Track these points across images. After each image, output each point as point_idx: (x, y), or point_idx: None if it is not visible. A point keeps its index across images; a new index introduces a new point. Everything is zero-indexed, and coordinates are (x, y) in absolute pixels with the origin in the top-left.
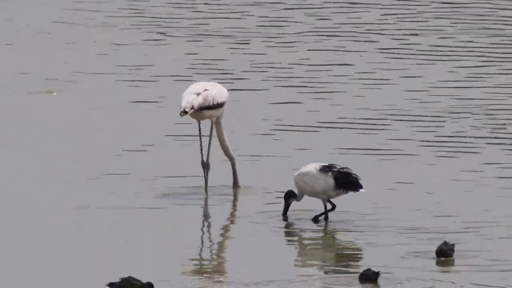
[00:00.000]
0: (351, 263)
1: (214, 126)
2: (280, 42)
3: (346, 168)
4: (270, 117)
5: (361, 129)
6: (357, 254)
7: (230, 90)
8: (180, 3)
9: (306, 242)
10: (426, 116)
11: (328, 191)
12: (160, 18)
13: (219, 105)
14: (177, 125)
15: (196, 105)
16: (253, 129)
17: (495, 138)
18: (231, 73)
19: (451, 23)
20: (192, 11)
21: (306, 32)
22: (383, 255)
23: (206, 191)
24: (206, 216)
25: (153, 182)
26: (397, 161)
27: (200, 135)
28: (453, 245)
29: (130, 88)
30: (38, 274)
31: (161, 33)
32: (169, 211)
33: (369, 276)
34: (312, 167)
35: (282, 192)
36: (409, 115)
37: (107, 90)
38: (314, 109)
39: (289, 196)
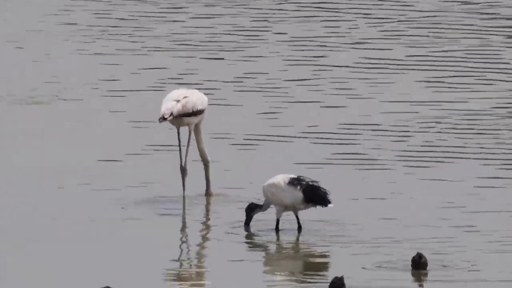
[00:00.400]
0: (321, 273)
1: (192, 132)
2: (254, 54)
3: (315, 181)
4: (245, 128)
5: (335, 139)
6: (326, 265)
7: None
8: (155, 14)
9: (274, 252)
10: (398, 127)
11: (296, 205)
12: (134, 28)
13: (199, 112)
14: (155, 134)
15: (175, 111)
16: (229, 140)
17: (469, 148)
18: (202, 84)
19: (425, 33)
20: (167, 23)
21: (281, 43)
22: (356, 266)
23: (183, 195)
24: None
25: (131, 191)
26: (371, 172)
27: (179, 141)
28: (423, 257)
29: (106, 99)
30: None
31: (134, 42)
32: (146, 220)
33: (337, 283)
34: (281, 178)
35: (258, 199)
36: (382, 127)
37: (84, 101)
38: (288, 120)
39: (251, 209)
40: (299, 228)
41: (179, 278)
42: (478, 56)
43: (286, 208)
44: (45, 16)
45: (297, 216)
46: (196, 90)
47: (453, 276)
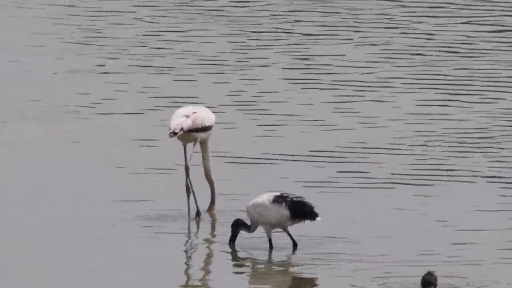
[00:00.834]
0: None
1: (200, 147)
2: (243, 72)
3: (300, 197)
4: (245, 146)
5: (321, 161)
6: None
7: None
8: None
9: (263, 269)
10: (398, 145)
11: (283, 222)
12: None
13: (207, 128)
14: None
15: (185, 127)
16: (227, 158)
17: (465, 166)
18: (191, 101)
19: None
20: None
21: (269, 62)
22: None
23: (189, 212)
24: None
25: (132, 205)
26: (372, 191)
27: (185, 158)
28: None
29: (107, 118)
30: None
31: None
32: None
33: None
34: (265, 197)
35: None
36: (381, 146)
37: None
38: (277, 140)
39: (238, 226)
40: (294, 245)
41: None
42: (482, 76)
43: (273, 226)
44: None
45: (288, 234)
46: (203, 106)
47: None
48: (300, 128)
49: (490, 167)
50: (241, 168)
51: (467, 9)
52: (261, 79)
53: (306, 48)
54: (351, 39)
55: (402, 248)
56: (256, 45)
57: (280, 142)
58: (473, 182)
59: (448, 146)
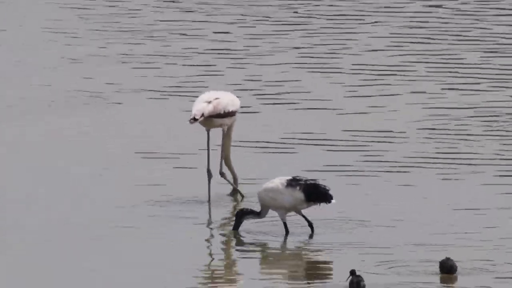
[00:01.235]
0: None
1: (222, 133)
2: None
3: (313, 179)
4: (262, 133)
5: (337, 146)
6: (339, 265)
7: None
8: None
9: (279, 254)
10: (414, 132)
11: (298, 205)
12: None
13: (230, 114)
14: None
15: (206, 112)
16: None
17: (481, 153)
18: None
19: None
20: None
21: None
22: (377, 269)
23: (209, 199)
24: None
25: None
26: (389, 175)
27: (208, 144)
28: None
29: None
30: None
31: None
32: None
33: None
34: (278, 182)
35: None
36: (394, 133)
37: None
38: (293, 126)
39: (243, 214)
40: (311, 226)
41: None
42: (494, 63)
43: (288, 210)
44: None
45: (303, 215)
46: (228, 92)
47: (483, 283)
48: (316, 113)
49: (508, 151)
50: (256, 153)
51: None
52: (277, 65)
53: (321, 34)
54: (367, 24)
55: (415, 233)
56: (273, 31)
57: (296, 127)
58: (490, 166)
59: (466, 132)
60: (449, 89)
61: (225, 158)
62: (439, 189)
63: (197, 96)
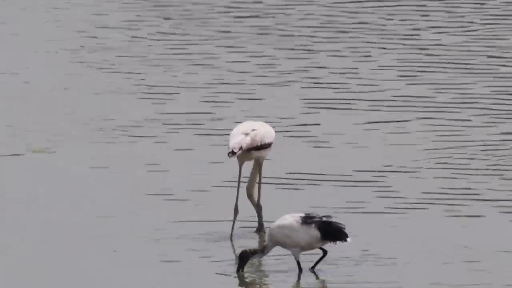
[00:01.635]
0: None
1: (253, 164)
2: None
3: (327, 216)
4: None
5: (350, 183)
6: None
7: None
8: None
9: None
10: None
11: (312, 243)
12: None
13: (267, 146)
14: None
15: (244, 145)
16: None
17: (494, 190)
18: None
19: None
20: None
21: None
22: None
23: (231, 236)
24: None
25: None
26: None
27: (239, 177)
28: None
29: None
30: None
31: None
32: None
33: None
34: (292, 219)
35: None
36: (407, 168)
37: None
38: (303, 163)
39: (247, 257)
40: (301, 270)
41: None
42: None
43: (302, 248)
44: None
45: (298, 260)
46: (263, 122)
47: None
48: (326, 150)
49: None
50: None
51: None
52: (284, 99)
53: (327, 68)
54: (374, 58)
55: (433, 272)
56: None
57: (306, 164)
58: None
59: (478, 167)
60: (463, 120)
61: (249, 188)
62: (454, 227)
63: (212, 129)
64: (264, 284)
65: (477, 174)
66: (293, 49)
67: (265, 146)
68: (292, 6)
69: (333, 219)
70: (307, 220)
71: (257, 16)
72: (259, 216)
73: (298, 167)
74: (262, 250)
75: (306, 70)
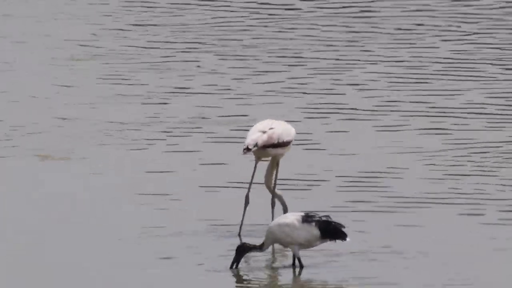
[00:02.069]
0: None
1: (271, 162)
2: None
3: (327, 216)
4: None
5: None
6: None
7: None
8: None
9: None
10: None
11: (312, 242)
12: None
13: (285, 144)
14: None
15: (260, 142)
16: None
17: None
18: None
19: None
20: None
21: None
22: None
23: (241, 226)
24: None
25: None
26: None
27: (254, 172)
28: None
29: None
30: None
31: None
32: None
33: None
34: (293, 218)
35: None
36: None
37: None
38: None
39: (244, 250)
40: (294, 265)
41: None
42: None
43: (301, 246)
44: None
45: (297, 255)
46: (283, 121)
47: None
48: (319, 154)
49: None
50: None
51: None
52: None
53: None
54: (363, 64)
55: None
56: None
57: (302, 167)
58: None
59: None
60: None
61: (266, 181)
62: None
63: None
64: (259, 281)
65: (471, 175)
66: (285, 57)
67: (282, 145)
68: (284, 16)
69: (332, 219)
70: (307, 219)
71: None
72: (283, 204)
73: (294, 170)
74: (260, 247)
75: (299, 78)
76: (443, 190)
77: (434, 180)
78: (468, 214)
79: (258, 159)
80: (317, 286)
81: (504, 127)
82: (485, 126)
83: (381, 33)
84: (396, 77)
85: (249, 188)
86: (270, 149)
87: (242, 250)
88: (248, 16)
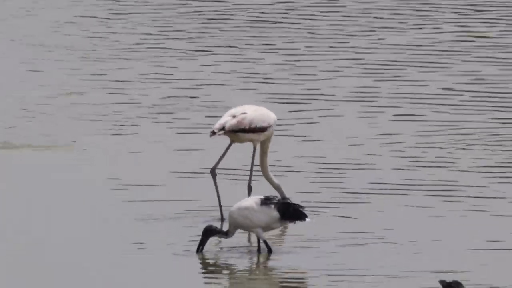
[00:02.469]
0: None
1: (256, 151)
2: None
3: (286, 198)
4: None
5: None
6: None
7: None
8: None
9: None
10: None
11: (271, 224)
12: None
13: (259, 130)
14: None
15: (227, 126)
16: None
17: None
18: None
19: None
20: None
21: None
22: None
23: (218, 198)
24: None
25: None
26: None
27: (226, 150)
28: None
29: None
30: None
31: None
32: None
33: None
34: (252, 201)
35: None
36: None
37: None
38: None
39: (210, 233)
40: (259, 251)
41: None
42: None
43: (262, 229)
44: None
45: (258, 240)
46: (263, 107)
47: None
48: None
49: None
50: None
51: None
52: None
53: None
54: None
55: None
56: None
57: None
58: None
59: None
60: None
61: (263, 172)
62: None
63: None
64: (227, 266)
65: (434, 166)
66: (259, 44)
67: (256, 130)
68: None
69: (291, 201)
70: (266, 201)
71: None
72: (281, 193)
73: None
74: (226, 233)
75: (272, 64)
76: (418, 177)
77: (409, 167)
78: (444, 201)
79: (232, 142)
80: (277, 273)
81: (479, 113)
82: (458, 113)
83: (355, 21)
84: (369, 63)
85: (217, 162)
86: (241, 134)
87: (209, 233)
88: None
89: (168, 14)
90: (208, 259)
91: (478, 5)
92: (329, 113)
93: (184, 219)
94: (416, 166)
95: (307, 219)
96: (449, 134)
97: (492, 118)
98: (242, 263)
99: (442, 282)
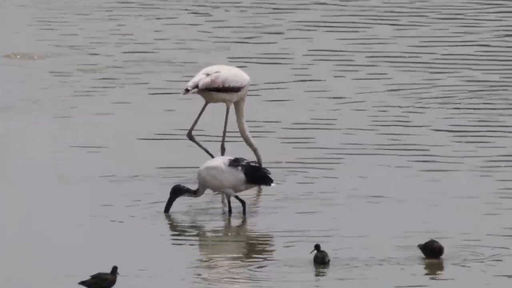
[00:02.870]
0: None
1: (229, 111)
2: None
3: (254, 162)
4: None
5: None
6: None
7: None
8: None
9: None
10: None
11: (237, 186)
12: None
13: (232, 89)
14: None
15: (201, 84)
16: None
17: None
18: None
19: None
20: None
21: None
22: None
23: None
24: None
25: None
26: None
27: (201, 111)
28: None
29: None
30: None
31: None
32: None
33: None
34: (220, 161)
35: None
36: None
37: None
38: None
39: (178, 192)
40: (230, 212)
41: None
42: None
43: (223, 190)
44: None
45: (229, 201)
46: (236, 67)
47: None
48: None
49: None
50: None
51: None
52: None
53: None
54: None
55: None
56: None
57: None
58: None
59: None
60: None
61: (242, 135)
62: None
63: None
64: (195, 227)
65: (404, 126)
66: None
67: (229, 90)
68: None
69: (259, 165)
70: (234, 163)
71: None
72: (257, 156)
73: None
74: (195, 192)
75: (243, 27)
76: (390, 137)
77: (380, 127)
78: (416, 162)
79: (206, 102)
80: (247, 234)
81: (442, 77)
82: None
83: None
84: (338, 22)
85: (192, 126)
86: (214, 93)
87: (178, 191)
88: None
89: None
90: (176, 221)
91: None
92: (301, 72)
93: (153, 178)
94: (388, 125)
95: (273, 184)
96: (422, 93)
97: (465, 77)
98: (211, 224)
99: (419, 246)
